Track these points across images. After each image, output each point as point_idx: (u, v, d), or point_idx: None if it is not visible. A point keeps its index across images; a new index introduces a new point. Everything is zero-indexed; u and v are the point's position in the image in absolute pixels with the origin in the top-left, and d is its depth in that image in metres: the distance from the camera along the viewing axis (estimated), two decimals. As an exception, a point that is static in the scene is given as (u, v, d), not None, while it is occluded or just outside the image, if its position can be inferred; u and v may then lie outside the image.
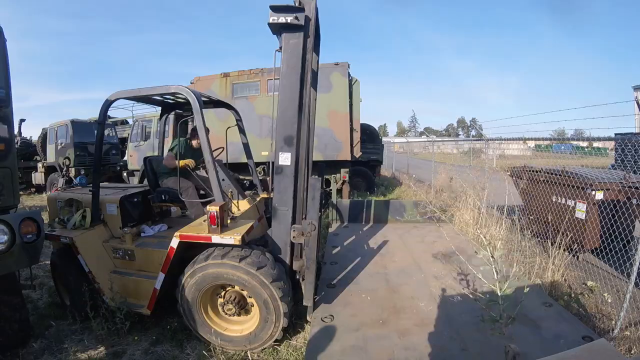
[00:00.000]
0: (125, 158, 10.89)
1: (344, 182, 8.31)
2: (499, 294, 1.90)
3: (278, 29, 2.73)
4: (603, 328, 2.87)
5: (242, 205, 3.36)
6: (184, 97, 3.03)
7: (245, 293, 2.77)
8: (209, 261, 2.63)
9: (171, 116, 5.69)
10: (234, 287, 2.78)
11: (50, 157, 11.15)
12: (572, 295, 3.31)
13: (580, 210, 4.19)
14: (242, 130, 4.09)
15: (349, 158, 7.90)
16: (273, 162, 2.94)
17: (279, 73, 2.80)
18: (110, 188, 3.91)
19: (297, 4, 2.68)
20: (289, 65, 2.75)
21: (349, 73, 7.88)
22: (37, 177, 11.69)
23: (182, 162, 3.36)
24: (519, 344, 2.16)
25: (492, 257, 1.99)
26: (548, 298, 3.13)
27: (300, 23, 2.64)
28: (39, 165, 11.68)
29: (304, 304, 2.87)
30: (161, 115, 4.14)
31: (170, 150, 3.82)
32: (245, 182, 4.46)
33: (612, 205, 3.92)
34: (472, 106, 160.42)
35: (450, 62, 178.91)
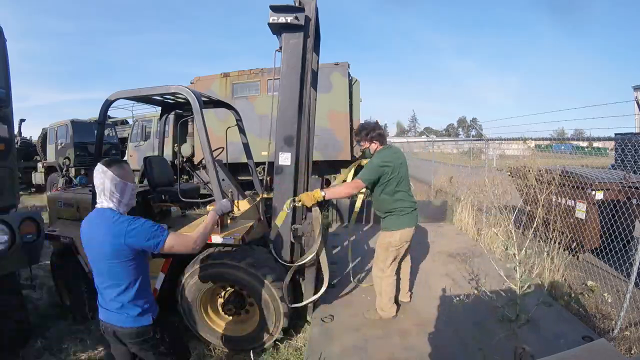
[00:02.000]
0: (125, 158, 10.89)
1: (344, 182, 8.31)
2: (518, 294, 1.89)
3: (278, 29, 2.72)
4: (603, 328, 2.87)
5: (242, 205, 3.36)
6: (184, 97, 3.03)
7: (245, 293, 2.77)
8: (209, 261, 2.63)
9: (171, 116, 5.69)
10: (234, 287, 2.78)
11: (50, 157, 11.15)
12: (572, 295, 3.31)
13: (580, 210, 4.19)
14: (242, 130, 4.08)
15: (349, 158, 7.90)
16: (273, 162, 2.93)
17: (279, 73, 2.80)
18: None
19: (297, 4, 2.68)
20: (289, 65, 2.75)
21: (349, 73, 7.87)
22: (37, 177, 11.70)
23: None
24: (514, 348, 2.16)
25: (516, 255, 1.98)
26: (548, 298, 3.13)
27: (300, 23, 2.64)
28: (39, 165, 11.68)
29: (304, 303, 2.87)
30: (161, 115, 4.13)
31: None
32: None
33: (612, 205, 3.92)
34: (472, 106, 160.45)
35: (451, 62, 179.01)
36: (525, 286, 1.90)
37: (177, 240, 1.70)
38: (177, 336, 1.98)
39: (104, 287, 1.65)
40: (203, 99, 3.14)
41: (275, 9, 2.62)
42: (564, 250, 3.91)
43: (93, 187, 3.20)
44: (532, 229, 4.71)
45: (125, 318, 1.64)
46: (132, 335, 1.67)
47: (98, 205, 1.65)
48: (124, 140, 11.96)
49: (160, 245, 1.62)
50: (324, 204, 5.43)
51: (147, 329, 1.68)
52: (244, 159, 4.33)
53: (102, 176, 1.60)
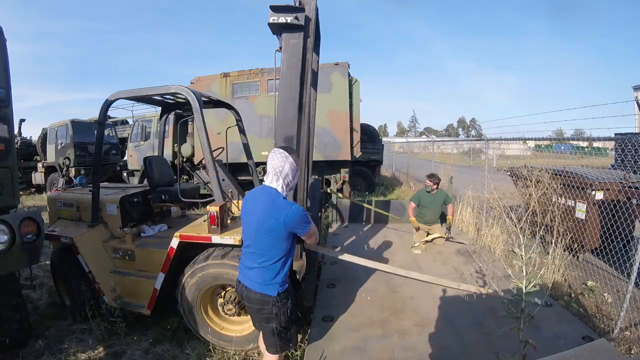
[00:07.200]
0: (125, 158, 10.90)
1: (344, 182, 8.31)
2: (524, 291, 1.92)
3: (278, 29, 2.72)
4: (603, 328, 2.87)
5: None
6: (184, 97, 3.03)
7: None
8: (209, 261, 2.64)
9: (171, 116, 5.70)
10: (234, 287, 2.78)
11: (50, 157, 11.15)
12: (572, 295, 3.31)
13: (580, 210, 4.19)
14: (242, 130, 4.09)
15: (349, 158, 7.91)
16: None
17: (279, 73, 2.80)
18: (110, 188, 3.91)
19: (297, 4, 2.68)
20: (289, 65, 2.75)
21: (349, 73, 7.88)
22: (37, 177, 11.70)
23: None
24: (518, 343, 2.16)
25: (523, 255, 2.02)
26: (548, 298, 3.13)
27: (300, 23, 2.64)
28: (39, 165, 11.68)
29: (304, 304, 2.87)
30: (161, 115, 4.14)
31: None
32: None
33: (612, 205, 3.92)
34: (472, 106, 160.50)
35: (451, 62, 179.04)
36: (531, 284, 1.92)
37: (313, 230, 1.88)
38: (292, 324, 2.04)
39: (249, 252, 1.87)
40: (203, 99, 3.14)
41: (275, 9, 2.62)
42: (564, 250, 3.92)
43: (93, 187, 3.22)
44: (540, 231, 4.72)
45: (253, 283, 1.85)
46: (253, 300, 1.86)
47: (266, 183, 1.85)
48: (124, 140, 11.97)
49: (305, 231, 1.81)
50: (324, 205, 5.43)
51: (268, 299, 1.83)
52: (244, 159, 4.33)
53: (284, 160, 1.82)
